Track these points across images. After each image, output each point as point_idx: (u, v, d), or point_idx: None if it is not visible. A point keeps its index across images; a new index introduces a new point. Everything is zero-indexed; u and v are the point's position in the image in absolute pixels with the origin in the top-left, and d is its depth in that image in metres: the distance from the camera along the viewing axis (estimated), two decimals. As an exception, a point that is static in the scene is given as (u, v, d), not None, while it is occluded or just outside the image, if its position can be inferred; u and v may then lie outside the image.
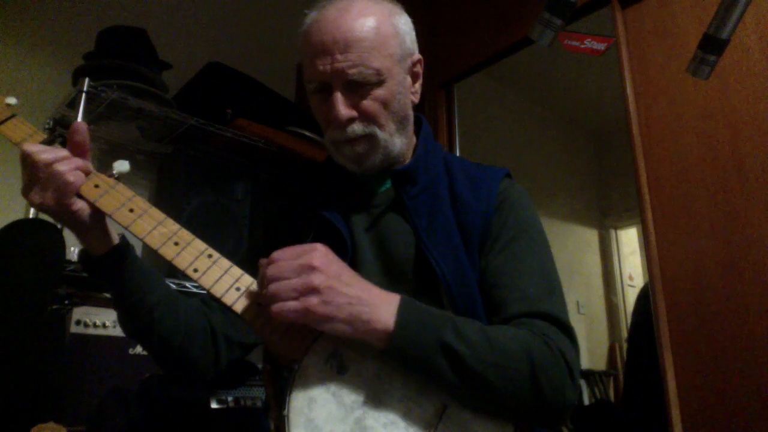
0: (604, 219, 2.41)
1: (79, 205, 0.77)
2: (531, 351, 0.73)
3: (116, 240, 0.83)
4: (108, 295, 1.83)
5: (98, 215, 0.79)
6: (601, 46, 1.67)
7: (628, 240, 2.37)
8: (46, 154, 0.76)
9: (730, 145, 1.32)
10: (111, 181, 0.80)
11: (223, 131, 2.09)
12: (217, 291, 0.73)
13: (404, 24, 0.92)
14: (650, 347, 1.34)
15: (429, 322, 0.72)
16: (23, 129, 0.85)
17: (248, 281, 0.75)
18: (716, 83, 1.36)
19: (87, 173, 0.79)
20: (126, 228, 0.77)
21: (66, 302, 1.62)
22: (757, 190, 1.26)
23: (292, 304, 0.66)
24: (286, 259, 0.69)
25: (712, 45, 0.82)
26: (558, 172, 2.43)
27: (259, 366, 1.68)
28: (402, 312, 0.70)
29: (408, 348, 0.69)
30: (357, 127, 0.87)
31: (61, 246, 1.54)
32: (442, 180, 0.94)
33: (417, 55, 0.95)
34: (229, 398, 1.46)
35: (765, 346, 1.18)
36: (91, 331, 1.66)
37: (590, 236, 2.39)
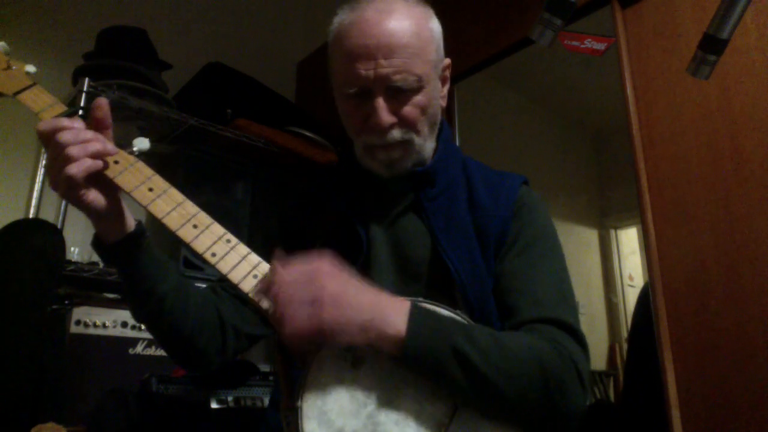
0: (604, 219, 2.40)
1: (92, 196, 0.73)
2: (542, 358, 0.73)
3: (132, 227, 0.79)
4: (108, 296, 1.84)
5: (114, 202, 0.76)
6: (601, 46, 1.67)
7: (628, 240, 2.36)
8: (64, 134, 0.71)
9: (730, 145, 1.32)
10: (131, 158, 0.78)
11: (223, 131, 2.08)
12: (235, 277, 0.73)
13: (437, 28, 0.92)
14: (651, 348, 1.34)
15: (440, 327, 0.72)
16: (43, 99, 0.82)
17: (265, 269, 0.74)
18: (716, 83, 1.36)
19: (104, 156, 0.75)
20: (145, 207, 0.75)
21: (66, 302, 1.62)
22: (757, 190, 1.26)
23: (303, 323, 0.66)
24: (290, 275, 0.69)
25: (712, 45, 0.82)
26: (558, 172, 2.42)
27: (260, 366, 1.68)
28: (413, 318, 0.70)
29: (421, 354, 0.69)
30: (396, 133, 0.86)
31: (61, 246, 1.54)
32: (461, 183, 0.94)
33: (447, 60, 0.95)
34: (229, 398, 1.46)
35: (765, 346, 1.18)
36: (91, 331, 1.66)
37: (590, 236, 2.38)
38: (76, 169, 0.70)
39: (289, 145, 2.24)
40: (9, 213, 1.85)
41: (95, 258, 1.88)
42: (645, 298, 1.46)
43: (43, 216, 1.86)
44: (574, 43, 1.69)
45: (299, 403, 0.66)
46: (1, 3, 1.97)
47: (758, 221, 1.24)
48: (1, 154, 1.95)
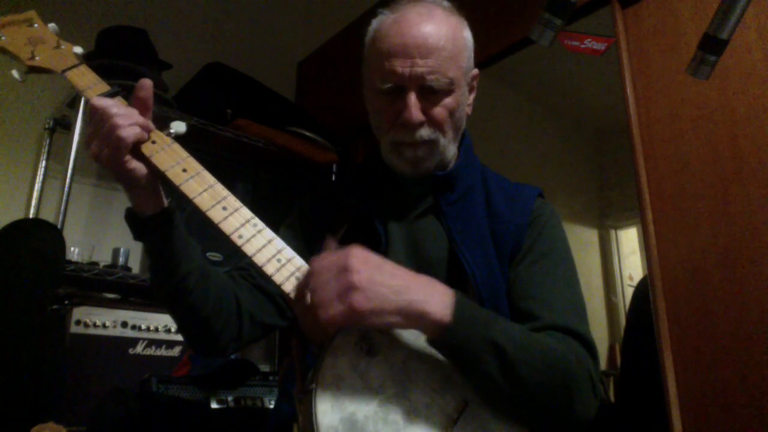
0: (604, 219, 2.40)
1: (134, 165, 0.77)
2: (565, 361, 0.75)
3: (166, 203, 0.83)
4: (108, 296, 1.84)
5: (152, 176, 0.79)
6: (601, 46, 1.67)
7: (628, 240, 2.36)
8: (114, 108, 0.76)
9: (730, 145, 1.32)
10: (168, 139, 0.81)
11: (223, 131, 2.09)
12: (259, 260, 0.74)
13: (470, 38, 0.96)
14: (647, 346, 1.34)
15: (482, 319, 0.73)
16: (88, 77, 0.87)
17: (289, 254, 0.76)
18: (716, 83, 1.36)
19: (147, 131, 0.79)
20: (178, 186, 0.77)
21: (66, 302, 1.62)
22: (757, 190, 1.26)
23: (337, 309, 0.66)
24: (323, 267, 0.70)
25: (712, 45, 0.81)
26: (558, 172, 2.42)
27: (260, 366, 1.68)
28: (458, 305, 0.71)
29: (460, 341, 0.70)
30: (424, 132, 0.89)
31: (61, 246, 1.54)
32: (479, 191, 0.97)
33: (475, 70, 0.99)
34: (229, 398, 1.46)
35: (765, 347, 1.18)
36: (91, 331, 1.66)
37: (590, 236, 2.38)
38: (126, 133, 0.74)
39: (289, 145, 2.24)
40: (9, 213, 1.85)
41: (95, 258, 1.88)
42: (640, 294, 1.45)
43: (43, 216, 1.86)
44: (574, 43, 1.69)
45: (314, 386, 0.67)
46: (1, 3, 1.97)
47: (758, 221, 1.24)
48: (1, 155, 1.95)
